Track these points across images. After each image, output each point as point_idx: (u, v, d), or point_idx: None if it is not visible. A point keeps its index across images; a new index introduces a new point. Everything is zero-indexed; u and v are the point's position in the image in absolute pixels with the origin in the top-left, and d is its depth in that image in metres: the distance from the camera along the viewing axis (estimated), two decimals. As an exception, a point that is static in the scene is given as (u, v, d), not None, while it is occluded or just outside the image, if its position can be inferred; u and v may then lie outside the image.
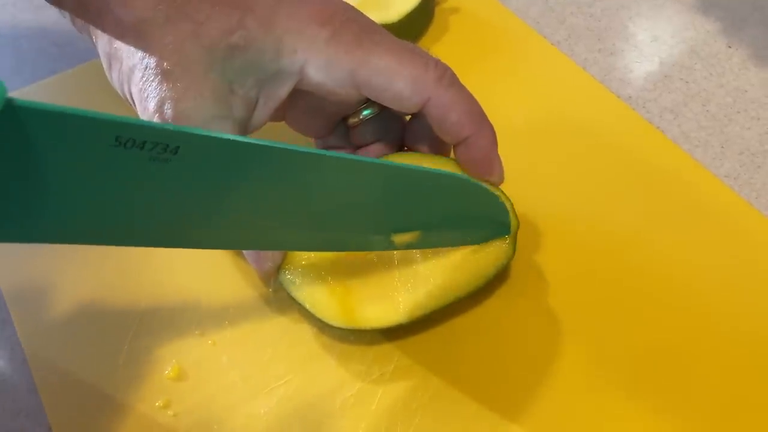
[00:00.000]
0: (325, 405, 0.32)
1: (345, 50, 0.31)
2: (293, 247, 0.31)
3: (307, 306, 0.33)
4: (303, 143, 0.39)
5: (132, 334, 0.35)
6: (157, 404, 0.33)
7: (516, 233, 0.34)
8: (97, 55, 0.34)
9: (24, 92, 0.46)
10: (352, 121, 0.35)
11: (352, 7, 0.33)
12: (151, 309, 0.36)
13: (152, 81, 0.30)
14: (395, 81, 0.31)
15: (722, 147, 0.42)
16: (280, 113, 0.37)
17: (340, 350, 0.34)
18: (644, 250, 0.37)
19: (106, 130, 0.20)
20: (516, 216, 0.33)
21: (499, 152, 0.33)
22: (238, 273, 0.37)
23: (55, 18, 0.36)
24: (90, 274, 0.38)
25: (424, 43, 0.49)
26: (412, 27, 0.48)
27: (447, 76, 0.32)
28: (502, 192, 0.34)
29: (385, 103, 0.33)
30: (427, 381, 0.33)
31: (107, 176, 0.22)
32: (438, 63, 0.33)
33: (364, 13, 0.47)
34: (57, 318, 0.36)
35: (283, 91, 0.32)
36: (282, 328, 0.35)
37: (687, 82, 0.46)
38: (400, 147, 0.37)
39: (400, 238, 0.32)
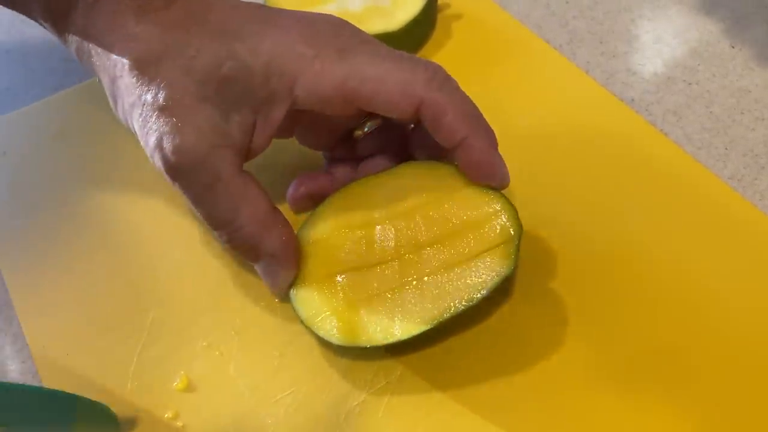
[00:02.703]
0: (332, 415, 0.33)
1: (330, 66, 0.31)
2: None
3: (310, 324, 0.33)
4: (312, 156, 0.40)
5: (140, 346, 0.36)
6: (166, 416, 0.33)
7: (519, 242, 0.32)
8: None
9: (34, 108, 0.47)
10: (357, 133, 0.36)
11: (337, 23, 0.33)
12: (159, 321, 0.36)
13: (150, 117, 0.31)
14: (383, 88, 0.31)
15: (726, 148, 0.42)
16: (288, 131, 0.37)
17: (346, 360, 0.34)
18: (648, 253, 0.37)
19: None
20: (519, 223, 0.32)
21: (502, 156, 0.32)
22: (244, 285, 0.37)
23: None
24: (98, 287, 0.38)
25: (428, 49, 0.49)
26: (415, 34, 0.48)
27: (438, 78, 0.32)
28: (505, 198, 0.33)
29: (380, 112, 0.33)
30: (432, 390, 0.33)
31: None
32: (428, 65, 0.32)
33: (367, 21, 0.47)
34: (66, 331, 0.37)
35: (279, 113, 0.33)
36: (288, 338, 0.35)
37: (690, 83, 0.46)
38: (403, 158, 0.37)
39: None
